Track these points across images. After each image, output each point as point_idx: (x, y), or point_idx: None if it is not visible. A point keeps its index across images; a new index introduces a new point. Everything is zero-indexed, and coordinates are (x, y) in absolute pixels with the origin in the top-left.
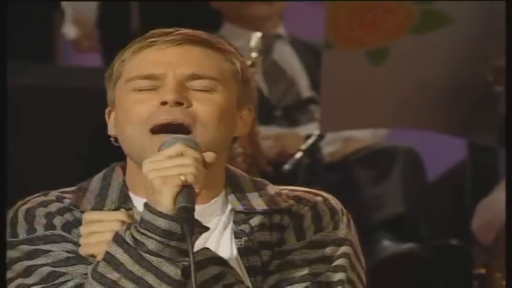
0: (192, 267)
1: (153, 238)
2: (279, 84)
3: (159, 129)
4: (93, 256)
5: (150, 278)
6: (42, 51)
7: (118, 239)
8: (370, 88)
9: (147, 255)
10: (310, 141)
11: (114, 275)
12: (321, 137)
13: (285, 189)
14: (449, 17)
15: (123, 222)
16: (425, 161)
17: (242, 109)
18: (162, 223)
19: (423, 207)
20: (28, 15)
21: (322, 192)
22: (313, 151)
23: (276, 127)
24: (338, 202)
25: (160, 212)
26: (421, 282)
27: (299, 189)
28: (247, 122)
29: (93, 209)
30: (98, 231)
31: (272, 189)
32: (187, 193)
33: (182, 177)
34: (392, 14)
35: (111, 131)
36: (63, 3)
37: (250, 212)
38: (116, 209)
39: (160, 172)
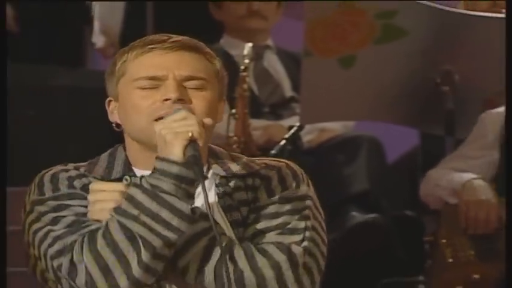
0: (206, 200)
1: (167, 180)
2: (267, 86)
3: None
4: (98, 221)
5: (165, 213)
6: (75, 57)
7: (137, 185)
8: (341, 88)
9: (163, 194)
10: (292, 131)
11: (134, 211)
12: (300, 128)
13: (255, 159)
14: (405, 30)
15: (122, 192)
16: (385, 147)
17: (220, 101)
18: (174, 169)
19: (383, 184)
20: (64, 28)
21: (284, 160)
22: (294, 139)
23: (264, 120)
24: (298, 167)
25: (173, 160)
26: (381, 245)
27: (266, 158)
28: (222, 111)
29: (103, 178)
30: (102, 199)
31: (245, 159)
32: (193, 145)
33: (189, 133)
34: (359, 28)
35: (111, 117)
36: (95, 18)
37: (229, 176)
38: (121, 178)
39: (171, 129)
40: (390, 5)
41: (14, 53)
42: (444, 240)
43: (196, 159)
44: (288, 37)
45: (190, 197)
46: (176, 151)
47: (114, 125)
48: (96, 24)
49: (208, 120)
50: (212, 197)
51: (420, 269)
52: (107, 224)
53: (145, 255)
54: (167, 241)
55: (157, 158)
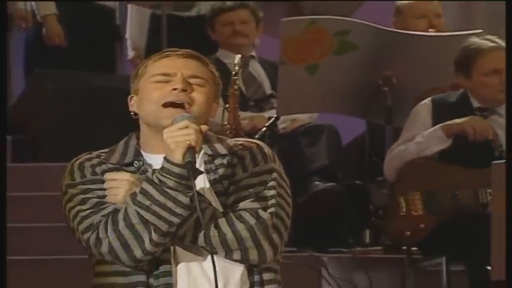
0: (195, 195)
1: (171, 179)
2: (252, 86)
3: (169, 105)
4: (114, 204)
5: (170, 204)
6: (108, 65)
7: (148, 180)
8: (307, 89)
9: (168, 189)
10: (270, 121)
11: (147, 202)
12: (277, 118)
13: (235, 140)
14: (355, 45)
15: (129, 180)
16: (340, 132)
17: (214, 102)
18: (176, 170)
19: (339, 161)
20: (100, 44)
21: (256, 141)
22: (272, 127)
23: (250, 112)
24: (266, 146)
25: (176, 164)
26: (337, 206)
27: (243, 140)
28: (216, 110)
29: (118, 162)
30: (115, 186)
31: (228, 140)
32: (191, 152)
33: (188, 142)
34: (321, 43)
35: (131, 108)
36: (127, 38)
37: (215, 155)
38: (131, 162)
39: (174, 139)
40: (345, 26)
41: (63, 62)
42: (401, 197)
43: (192, 164)
44: (268, 50)
45: (188, 188)
46: (177, 156)
47: (132, 113)
48: (128, 43)
49: (205, 127)
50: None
51: (365, 222)
52: (126, 210)
53: (154, 235)
54: (171, 224)
55: (164, 158)
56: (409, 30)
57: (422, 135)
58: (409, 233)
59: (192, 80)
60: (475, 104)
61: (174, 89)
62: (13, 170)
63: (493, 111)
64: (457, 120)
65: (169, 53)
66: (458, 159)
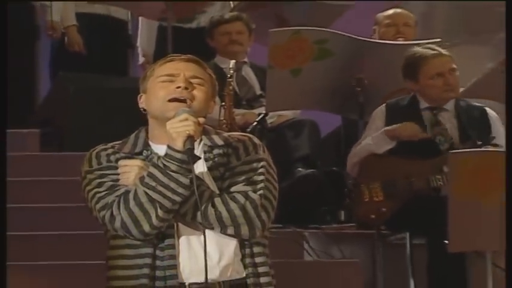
0: (194, 177)
1: (173, 163)
2: (244, 87)
3: (173, 100)
4: (125, 186)
5: (173, 185)
6: (122, 69)
7: (154, 165)
8: (291, 89)
9: (171, 172)
10: (260, 116)
11: (153, 183)
12: (266, 115)
13: (230, 133)
14: (333, 52)
15: (139, 166)
16: (320, 126)
17: (211, 100)
18: (178, 155)
19: (318, 151)
20: (115, 51)
21: (248, 134)
22: (262, 122)
23: (242, 109)
24: (257, 139)
25: (177, 150)
26: (317, 189)
27: (237, 133)
28: (213, 107)
29: (130, 151)
30: (127, 171)
31: (224, 134)
32: (190, 140)
33: (187, 132)
34: (303, 50)
35: (140, 105)
36: (137, 44)
37: (213, 146)
38: (140, 152)
39: (175, 129)
40: (323, 35)
41: (83, 66)
42: (363, 185)
43: (191, 151)
44: (258, 56)
45: (188, 172)
46: (179, 144)
47: (142, 109)
48: (139, 50)
49: (202, 120)
50: (201, 161)
51: (341, 203)
52: (135, 191)
53: (160, 212)
54: (174, 202)
55: (168, 146)
56: (383, 37)
57: (371, 138)
58: (373, 216)
59: (192, 80)
60: (424, 104)
61: (178, 87)
62: (41, 158)
63: (441, 109)
64: (394, 126)
65: (173, 57)
66: (409, 153)
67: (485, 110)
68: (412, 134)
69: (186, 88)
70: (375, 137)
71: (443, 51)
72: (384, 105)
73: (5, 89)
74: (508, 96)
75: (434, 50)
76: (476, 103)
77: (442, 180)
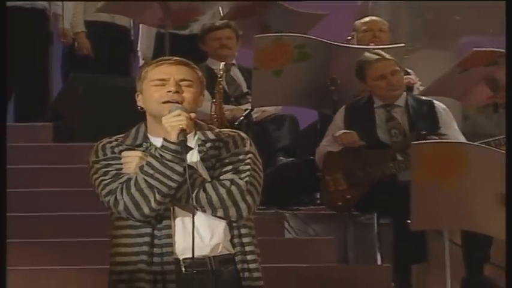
0: (187, 165)
1: (169, 153)
2: (233, 86)
3: (166, 102)
4: (128, 174)
5: (168, 172)
6: (125, 70)
7: (152, 155)
8: (274, 88)
9: (167, 161)
10: (246, 112)
11: (151, 171)
12: (252, 110)
13: (221, 130)
14: (310, 55)
15: (139, 156)
16: (299, 120)
17: (200, 95)
18: (173, 146)
19: (298, 142)
20: (119, 54)
21: (237, 131)
22: (248, 116)
23: (231, 105)
24: (245, 134)
25: (172, 142)
26: (296, 176)
27: (227, 130)
28: (202, 101)
29: (131, 144)
30: (129, 161)
31: (216, 130)
32: (183, 133)
33: (180, 126)
34: (285, 53)
35: (138, 103)
36: (138, 50)
37: (206, 140)
38: (140, 144)
39: (170, 123)
40: (302, 41)
41: (91, 68)
42: (328, 177)
43: (184, 142)
44: (245, 59)
45: (182, 161)
46: (173, 136)
47: (139, 107)
48: (140, 54)
49: (193, 115)
50: (195, 153)
51: (317, 187)
52: (136, 178)
53: (158, 196)
54: (170, 188)
55: (163, 138)
56: (361, 41)
57: (326, 140)
58: (340, 203)
59: (182, 83)
60: (378, 103)
61: (169, 91)
62: (54, 148)
63: (394, 105)
64: (339, 133)
65: (163, 62)
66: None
67: (433, 104)
68: (351, 142)
69: (176, 91)
70: (329, 140)
71: (387, 56)
72: (343, 107)
73: (4, 88)
74: (508, 96)
75: (378, 55)
76: (424, 98)
77: (395, 167)
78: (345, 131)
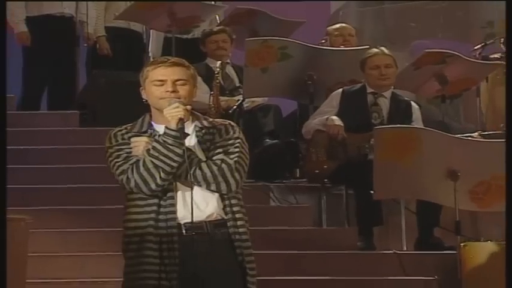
0: (185, 148)
1: (170, 139)
2: (227, 80)
3: (164, 99)
4: (136, 156)
5: (170, 154)
6: (137, 67)
7: (156, 140)
8: (261, 82)
9: (169, 145)
10: (238, 102)
11: (156, 153)
12: (243, 100)
13: (215, 119)
14: (291, 55)
15: (145, 141)
16: (282, 109)
17: (194, 88)
18: (173, 133)
19: (281, 126)
20: (132, 54)
21: (228, 120)
22: (240, 106)
23: (226, 97)
24: (234, 123)
25: (172, 129)
26: (280, 155)
27: (220, 120)
28: (195, 92)
29: (138, 131)
30: (136, 146)
31: (210, 119)
32: (181, 122)
33: (179, 116)
34: (270, 54)
35: (143, 97)
36: (149, 50)
37: (202, 127)
38: (146, 131)
39: (170, 114)
40: (285, 43)
41: (111, 66)
42: (312, 149)
43: (182, 130)
44: (238, 58)
45: (181, 145)
46: (173, 125)
47: (144, 100)
48: (150, 54)
49: (189, 107)
50: (193, 138)
51: (296, 164)
52: (144, 160)
53: (162, 174)
54: (172, 167)
55: (165, 127)
56: (333, 44)
57: (319, 120)
58: (317, 171)
59: (178, 82)
60: (370, 90)
61: (167, 91)
62: (80, 132)
63: (380, 95)
64: (330, 120)
65: (161, 64)
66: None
67: (410, 103)
68: (336, 134)
69: (173, 91)
70: (321, 120)
71: (386, 52)
72: (341, 89)
73: (4, 87)
74: (508, 96)
75: (378, 49)
76: (405, 98)
77: (369, 148)
78: (336, 123)
